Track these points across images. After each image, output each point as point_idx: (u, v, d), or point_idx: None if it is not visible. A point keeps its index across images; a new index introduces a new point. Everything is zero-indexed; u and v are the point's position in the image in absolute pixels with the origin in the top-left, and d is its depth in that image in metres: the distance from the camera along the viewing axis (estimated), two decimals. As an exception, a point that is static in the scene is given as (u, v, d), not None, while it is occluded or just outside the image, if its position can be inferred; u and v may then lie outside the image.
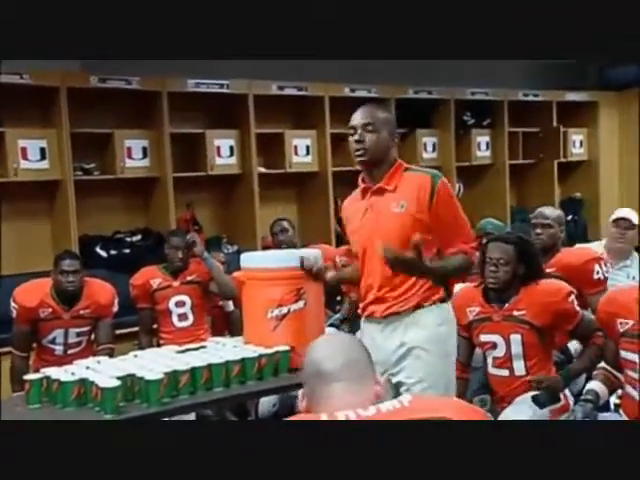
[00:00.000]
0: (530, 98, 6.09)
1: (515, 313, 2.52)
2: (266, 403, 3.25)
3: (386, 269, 2.14)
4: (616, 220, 3.52)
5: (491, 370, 2.60)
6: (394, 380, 2.19)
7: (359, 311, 3.23)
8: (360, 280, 2.29)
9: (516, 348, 2.52)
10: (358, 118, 2.20)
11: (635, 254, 3.52)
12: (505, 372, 2.56)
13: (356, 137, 2.18)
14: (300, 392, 1.31)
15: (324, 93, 5.04)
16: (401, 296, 2.18)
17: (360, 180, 2.30)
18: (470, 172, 5.99)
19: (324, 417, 1.17)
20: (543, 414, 2.43)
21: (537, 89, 6.12)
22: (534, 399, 2.46)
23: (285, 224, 4.15)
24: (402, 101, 5.39)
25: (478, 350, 2.68)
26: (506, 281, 2.53)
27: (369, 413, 1.16)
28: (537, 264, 2.62)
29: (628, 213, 3.58)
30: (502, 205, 5.90)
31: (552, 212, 3.14)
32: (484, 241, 3.45)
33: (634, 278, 3.17)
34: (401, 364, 2.17)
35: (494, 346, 2.57)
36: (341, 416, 1.16)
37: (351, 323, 3.68)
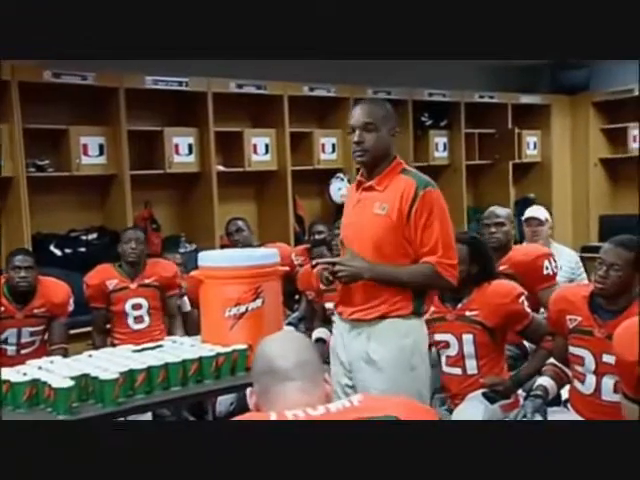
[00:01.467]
0: (486, 100, 6.20)
1: (467, 313, 2.56)
2: (224, 402, 3.25)
3: None
4: (527, 220, 3.70)
5: (444, 368, 2.65)
6: (356, 384, 2.19)
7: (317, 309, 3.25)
8: None
9: (468, 347, 2.57)
10: (357, 117, 2.14)
11: (554, 244, 3.69)
12: (458, 370, 2.60)
13: (355, 138, 2.13)
14: (249, 389, 1.30)
15: (283, 92, 5.04)
16: (366, 302, 2.15)
17: (360, 173, 2.27)
18: (428, 172, 5.92)
19: (273, 416, 1.17)
20: (494, 410, 2.48)
21: (493, 91, 6.24)
22: (485, 395, 2.51)
23: (240, 223, 4.15)
24: (361, 101, 5.41)
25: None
26: (459, 281, 2.57)
27: (318, 413, 1.17)
28: (490, 264, 2.68)
29: (536, 212, 3.76)
30: (459, 205, 5.99)
31: (503, 210, 3.26)
32: None
33: (560, 268, 3.28)
34: (362, 373, 2.16)
35: (447, 345, 2.62)
36: (290, 415, 1.16)
37: (308, 322, 3.70)
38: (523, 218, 3.79)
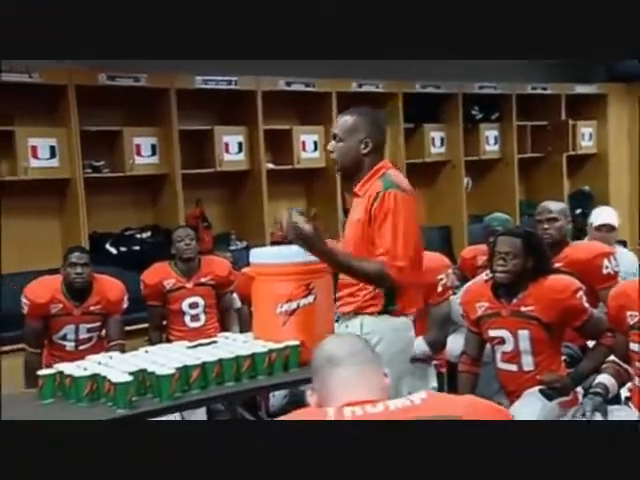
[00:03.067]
0: (538, 91, 6.07)
1: (523, 309, 2.50)
2: (278, 396, 3.27)
3: None
4: (599, 226, 3.52)
5: (500, 365, 2.60)
6: None
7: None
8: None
9: (524, 344, 2.52)
10: (334, 127, 2.25)
11: (618, 248, 3.53)
12: (513, 367, 2.56)
13: (328, 147, 2.24)
14: (309, 390, 1.33)
15: (331, 89, 5.04)
16: (346, 298, 2.23)
17: None
18: (479, 167, 5.98)
19: (331, 412, 1.17)
20: (552, 407, 2.43)
21: (545, 82, 6.10)
22: (542, 392, 2.46)
23: None
24: (409, 96, 5.38)
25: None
26: (515, 275, 2.52)
27: (376, 410, 1.16)
28: (546, 258, 2.61)
29: (610, 217, 3.59)
30: (511, 200, 5.89)
31: (556, 205, 3.13)
32: (491, 239, 3.48)
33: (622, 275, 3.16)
34: None
35: (502, 341, 2.57)
36: (348, 412, 1.16)
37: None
38: (594, 224, 3.59)
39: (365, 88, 5.21)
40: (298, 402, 3.34)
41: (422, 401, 1.19)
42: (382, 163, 2.21)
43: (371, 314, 2.15)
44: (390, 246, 2.08)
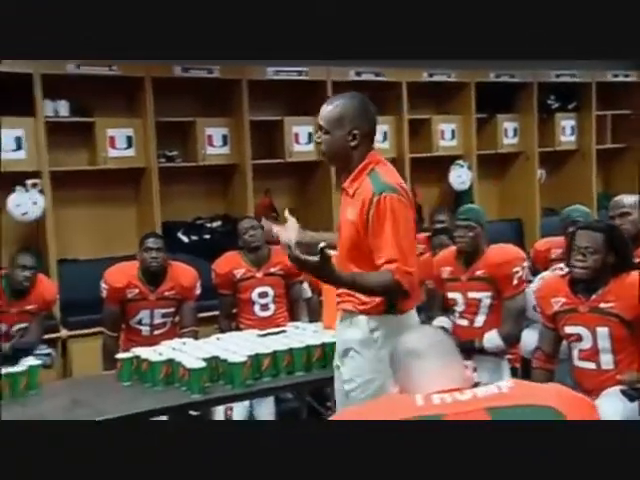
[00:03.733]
0: (620, 79, 5.81)
1: (602, 305, 2.40)
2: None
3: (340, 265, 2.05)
4: None
5: (577, 363, 2.51)
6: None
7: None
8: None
9: (603, 341, 2.42)
10: (318, 116, 2.05)
11: None
12: (592, 365, 2.45)
13: (315, 138, 2.14)
14: (391, 383, 1.33)
15: (401, 78, 4.97)
16: (342, 296, 2.09)
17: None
18: (554, 158, 5.79)
19: (419, 399, 1.16)
20: (634, 408, 2.33)
21: (628, 69, 5.83)
22: (624, 392, 2.36)
23: None
24: (483, 85, 5.26)
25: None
26: (594, 271, 2.42)
27: (465, 397, 1.15)
28: (628, 253, 2.50)
29: None
30: (588, 192, 5.68)
31: (629, 199, 3.01)
32: (570, 230, 3.37)
33: None
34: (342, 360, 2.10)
35: (579, 338, 2.47)
36: (437, 399, 1.15)
37: (428, 311, 3.63)
38: None
39: (436, 78, 5.12)
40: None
41: (509, 389, 1.17)
42: (370, 157, 2.03)
43: (377, 314, 2.03)
44: (396, 253, 1.95)
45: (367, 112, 2.04)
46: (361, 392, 2.01)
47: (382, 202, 1.95)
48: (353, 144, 1.99)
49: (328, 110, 2.01)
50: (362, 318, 2.04)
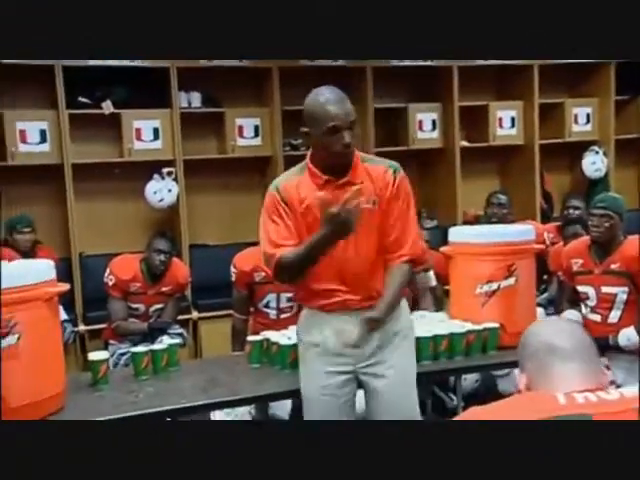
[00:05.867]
0: None
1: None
2: (469, 379, 3.20)
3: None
4: None
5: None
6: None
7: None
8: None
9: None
10: (343, 116, 1.85)
11: None
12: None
13: (347, 140, 1.85)
14: (517, 371, 1.27)
15: (531, 61, 4.76)
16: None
17: (310, 171, 1.96)
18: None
19: (561, 397, 1.10)
20: None
21: None
22: None
23: (503, 198, 4.00)
24: (624, 65, 4.92)
25: None
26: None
27: (612, 397, 1.09)
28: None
29: None
30: None
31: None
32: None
33: None
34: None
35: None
36: (580, 398, 1.09)
37: (558, 304, 3.47)
38: None
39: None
40: (489, 386, 3.24)
41: None
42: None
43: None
44: (415, 252, 1.99)
45: None
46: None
47: (404, 182, 1.97)
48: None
49: (351, 107, 1.91)
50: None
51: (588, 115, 4.93)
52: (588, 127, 4.94)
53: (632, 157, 5.32)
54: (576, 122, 4.93)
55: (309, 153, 2.00)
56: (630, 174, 5.34)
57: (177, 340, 2.68)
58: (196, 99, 4.33)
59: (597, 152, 4.89)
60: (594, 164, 4.88)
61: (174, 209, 4.25)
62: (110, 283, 3.27)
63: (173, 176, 4.17)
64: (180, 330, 3.46)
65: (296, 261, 1.89)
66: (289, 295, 3.34)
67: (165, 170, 4.15)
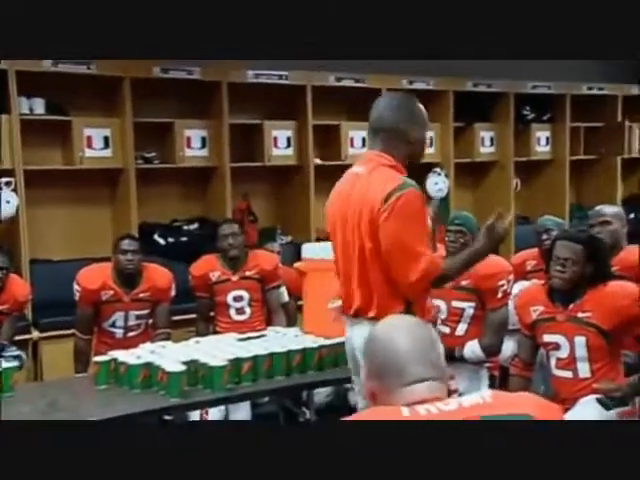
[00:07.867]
0: (594, 92, 5.92)
1: (580, 315, 2.44)
2: (321, 393, 3.26)
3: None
4: None
5: (554, 371, 2.53)
6: None
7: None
8: None
9: (580, 350, 2.44)
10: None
11: None
12: (569, 374, 2.48)
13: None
14: (366, 381, 1.27)
15: (382, 85, 4.99)
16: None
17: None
18: (529, 167, 5.87)
19: (405, 411, 1.15)
20: (610, 417, 2.36)
21: (601, 82, 5.94)
22: (599, 401, 2.39)
23: None
24: (461, 94, 5.31)
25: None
26: (573, 281, 2.45)
27: (450, 408, 1.14)
28: (606, 265, 2.54)
29: None
30: (561, 202, 5.77)
31: (610, 209, 3.08)
32: (543, 237, 3.40)
33: None
34: None
35: (557, 347, 2.49)
36: (422, 411, 1.14)
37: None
38: None
39: (416, 85, 5.15)
40: (340, 401, 3.33)
41: (492, 399, 1.18)
42: None
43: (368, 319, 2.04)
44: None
45: None
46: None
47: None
48: None
49: None
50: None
51: (431, 138, 5.26)
52: (431, 150, 5.27)
53: (468, 179, 5.76)
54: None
55: (386, 156, 2.10)
56: (467, 195, 5.77)
57: (14, 363, 2.48)
58: (39, 105, 4.07)
59: (439, 174, 5.23)
60: (437, 185, 5.20)
61: (14, 221, 3.96)
62: None
63: (12, 187, 3.88)
64: (17, 352, 3.22)
65: (460, 268, 2.12)
66: (137, 313, 3.23)
67: (2, 180, 3.86)
